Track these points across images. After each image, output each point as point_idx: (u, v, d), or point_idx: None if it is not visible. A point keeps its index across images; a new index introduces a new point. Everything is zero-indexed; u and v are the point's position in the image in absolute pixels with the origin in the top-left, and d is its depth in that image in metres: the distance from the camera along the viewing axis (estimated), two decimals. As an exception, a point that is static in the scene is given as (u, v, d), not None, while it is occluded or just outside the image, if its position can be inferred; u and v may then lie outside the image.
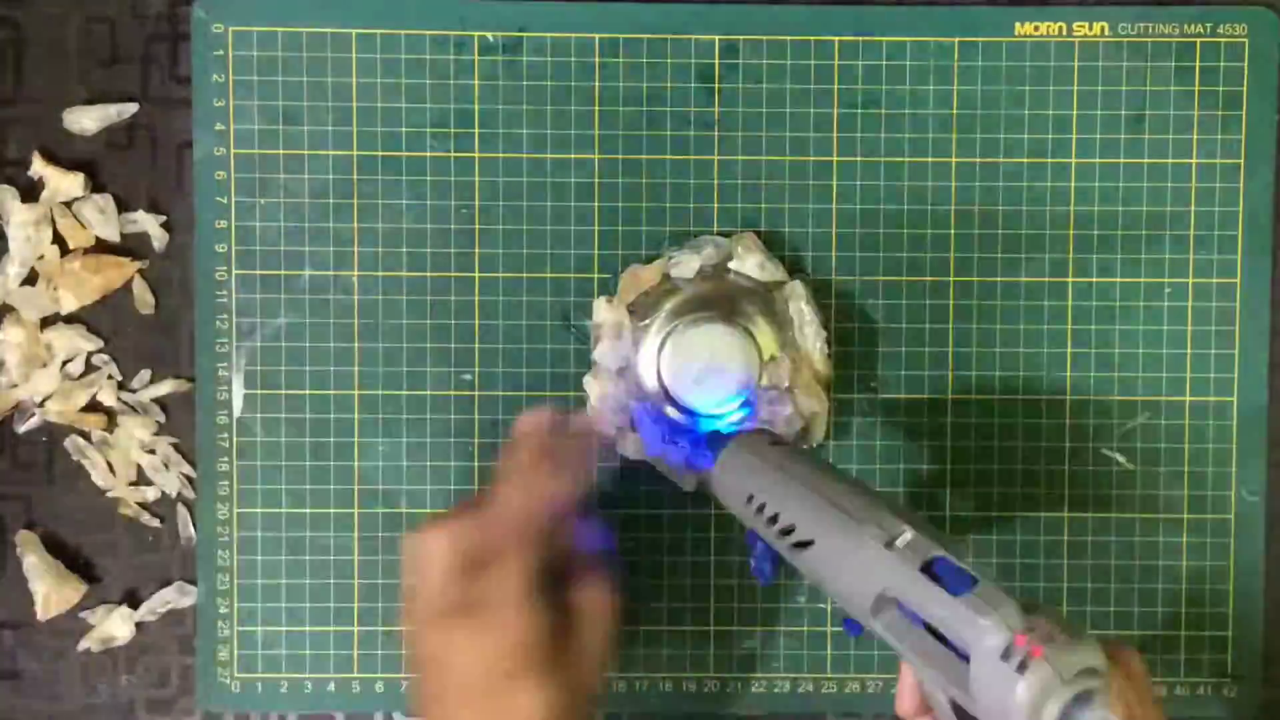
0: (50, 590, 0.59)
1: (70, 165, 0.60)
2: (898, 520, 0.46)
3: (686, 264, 0.57)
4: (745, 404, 0.56)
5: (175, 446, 0.60)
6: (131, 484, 0.60)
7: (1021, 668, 0.41)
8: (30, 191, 0.60)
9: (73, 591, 0.59)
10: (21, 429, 0.60)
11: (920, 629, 0.45)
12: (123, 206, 0.60)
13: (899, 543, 0.46)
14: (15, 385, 0.59)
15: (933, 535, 0.46)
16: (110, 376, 0.60)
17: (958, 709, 0.44)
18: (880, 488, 0.60)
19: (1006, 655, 0.42)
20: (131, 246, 0.60)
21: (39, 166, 0.59)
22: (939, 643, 0.44)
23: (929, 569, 0.45)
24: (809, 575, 0.49)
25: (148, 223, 0.60)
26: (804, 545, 0.49)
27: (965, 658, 0.43)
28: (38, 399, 0.60)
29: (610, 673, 0.60)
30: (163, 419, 0.60)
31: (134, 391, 0.60)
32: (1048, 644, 0.41)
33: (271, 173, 0.60)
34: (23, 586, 0.60)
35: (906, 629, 0.45)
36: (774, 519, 0.50)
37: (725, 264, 0.58)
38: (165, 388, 0.60)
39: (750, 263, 0.58)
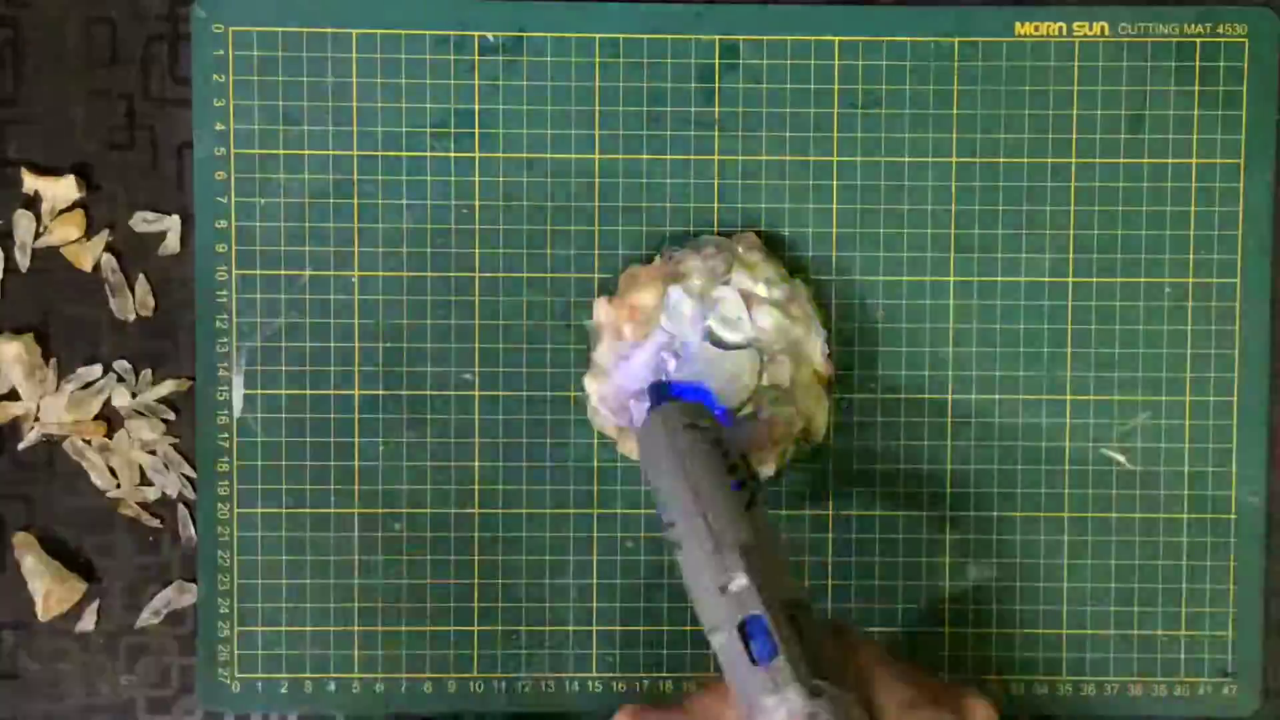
0: (50, 589, 0.59)
1: (70, 166, 0.60)
2: (739, 559, 0.46)
3: (688, 263, 0.57)
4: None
5: (175, 447, 0.60)
6: (134, 485, 0.60)
7: None
8: (30, 203, 0.60)
9: (72, 590, 0.60)
10: (21, 445, 0.60)
11: (731, 668, 0.45)
12: (134, 206, 0.60)
13: (732, 587, 0.46)
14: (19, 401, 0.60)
15: (766, 585, 0.45)
16: (120, 379, 0.60)
17: None
18: (880, 488, 0.60)
19: None
20: (134, 246, 0.60)
21: (31, 181, 0.59)
22: (735, 686, 0.45)
23: (743, 626, 0.45)
24: (679, 567, 0.49)
25: (170, 224, 0.60)
26: (675, 545, 0.49)
27: None
28: (39, 415, 0.60)
29: (610, 672, 0.60)
30: (172, 417, 0.60)
31: (137, 396, 0.60)
32: None
33: (271, 173, 0.60)
34: (23, 587, 0.60)
35: (725, 660, 0.46)
36: (664, 505, 0.50)
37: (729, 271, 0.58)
38: (165, 388, 0.60)
39: (758, 281, 0.57)
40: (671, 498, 0.49)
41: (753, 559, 0.46)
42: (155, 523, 0.60)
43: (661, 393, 0.55)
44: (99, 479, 0.60)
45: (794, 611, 0.46)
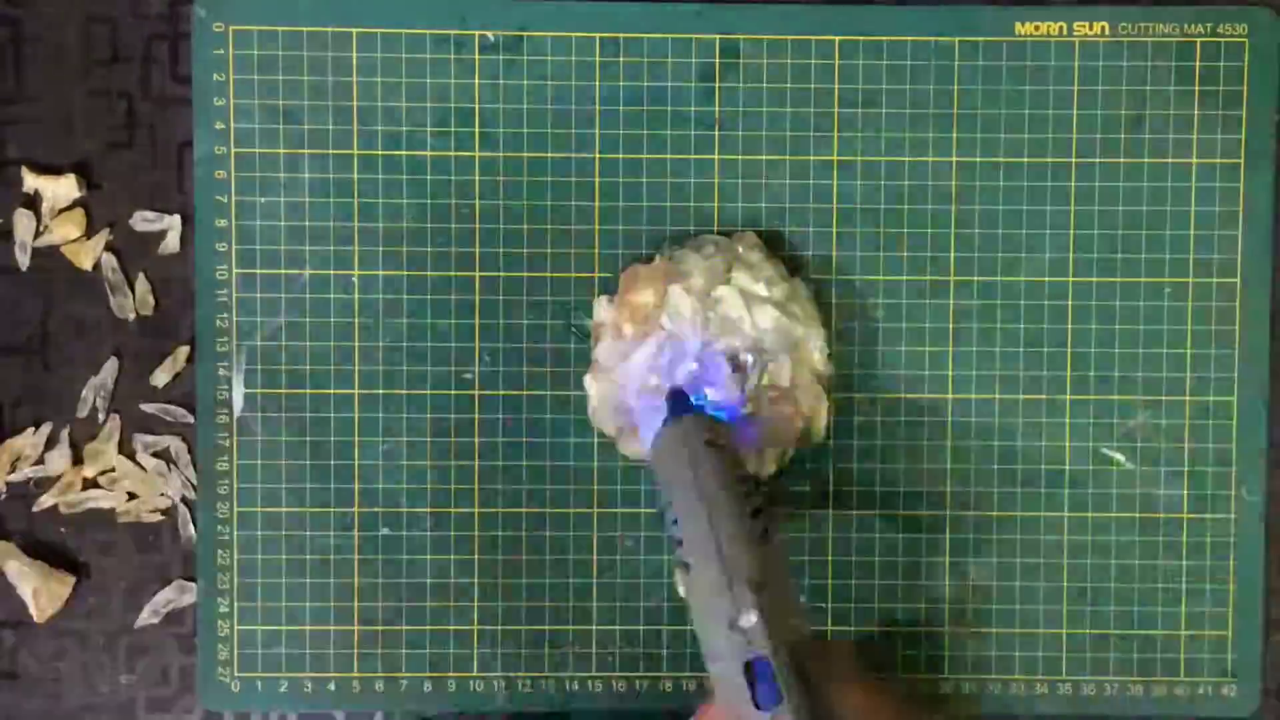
0: (38, 588, 0.59)
1: (70, 166, 0.60)
2: (751, 596, 0.46)
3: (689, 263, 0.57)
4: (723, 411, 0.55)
5: (175, 446, 0.60)
6: (132, 497, 0.60)
7: None
8: (30, 202, 0.60)
9: (60, 586, 0.59)
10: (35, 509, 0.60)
11: (728, 699, 0.46)
12: (135, 205, 0.60)
13: (742, 622, 0.45)
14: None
15: (776, 627, 0.45)
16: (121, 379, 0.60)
17: None
18: (880, 488, 0.60)
19: None
20: (134, 246, 0.60)
21: (31, 180, 0.59)
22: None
23: (750, 666, 0.45)
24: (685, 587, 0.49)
25: (171, 223, 0.60)
26: (685, 566, 0.48)
27: None
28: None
29: (610, 672, 0.60)
30: (191, 420, 0.60)
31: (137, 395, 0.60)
32: None
33: (272, 172, 0.60)
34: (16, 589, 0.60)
35: (723, 687, 0.46)
36: (675, 522, 0.49)
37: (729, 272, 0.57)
38: (165, 388, 0.60)
39: (758, 281, 0.57)
40: (686, 518, 0.49)
41: (764, 597, 0.46)
42: (155, 520, 0.60)
43: (682, 402, 0.54)
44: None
45: (800, 659, 0.45)
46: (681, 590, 0.49)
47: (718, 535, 0.47)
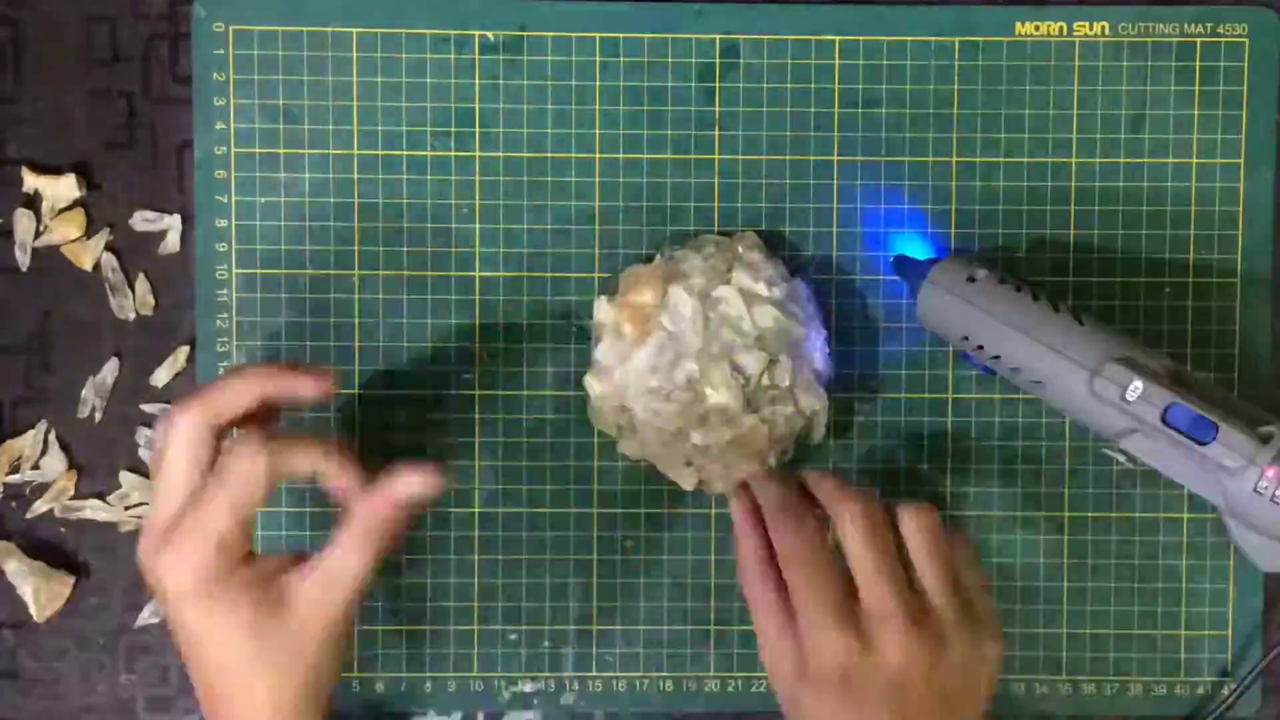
0: (38, 587, 0.59)
1: (70, 166, 0.60)
2: (1125, 370, 0.50)
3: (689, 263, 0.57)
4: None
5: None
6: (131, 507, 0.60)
7: (1276, 498, 0.48)
8: (30, 202, 0.60)
9: (61, 586, 0.59)
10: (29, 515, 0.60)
11: (1170, 452, 0.50)
12: (134, 205, 0.60)
13: (1130, 394, 0.50)
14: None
15: (1160, 379, 0.50)
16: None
17: None
18: (880, 487, 0.60)
19: (1259, 489, 0.48)
20: (134, 246, 0.60)
21: (31, 180, 0.59)
22: (1190, 463, 0.50)
23: (1165, 417, 0.49)
24: (1040, 398, 0.54)
25: (171, 223, 0.60)
26: (1036, 384, 0.53)
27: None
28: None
29: (610, 672, 0.60)
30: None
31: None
32: None
33: (272, 172, 0.60)
34: (15, 590, 0.60)
35: (1155, 452, 0.50)
36: (997, 357, 0.53)
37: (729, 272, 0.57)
38: (164, 388, 0.60)
39: (758, 281, 0.57)
40: (1005, 347, 0.53)
41: (1129, 362, 0.50)
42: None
43: (909, 263, 0.58)
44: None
45: (1187, 383, 0.50)
46: (1047, 403, 0.54)
47: (1056, 347, 0.52)
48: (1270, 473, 0.48)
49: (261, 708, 0.49)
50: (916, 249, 0.59)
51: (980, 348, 0.54)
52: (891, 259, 0.59)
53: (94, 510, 0.60)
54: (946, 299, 0.55)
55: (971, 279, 0.54)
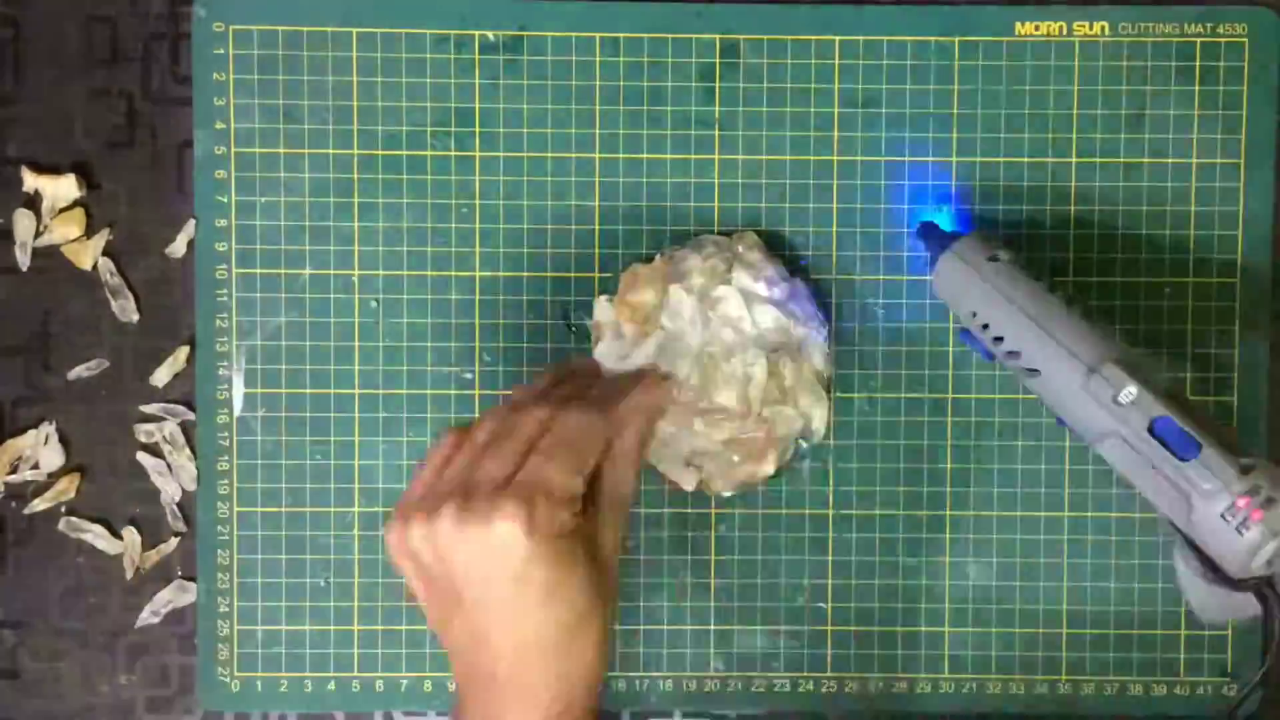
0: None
1: (70, 165, 0.60)
2: (1122, 373, 0.50)
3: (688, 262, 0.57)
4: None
5: (175, 446, 0.60)
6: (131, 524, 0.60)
7: (1241, 528, 0.47)
8: (30, 202, 0.60)
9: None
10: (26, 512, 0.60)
11: (1144, 463, 0.50)
12: (134, 205, 0.60)
13: (1122, 398, 0.50)
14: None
15: (1155, 389, 0.50)
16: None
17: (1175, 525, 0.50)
18: (880, 487, 0.60)
19: (1227, 515, 0.48)
20: (134, 246, 0.60)
21: (31, 180, 0.59)
22: (1161, 478, 0.49)
23: (1152, 427, 0.49)
24: (1029, 388, 0.54)
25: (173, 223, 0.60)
26: (1030, 372, 0.52)
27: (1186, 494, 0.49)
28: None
29: (610, 671, 0.60)
30: (192, 416, 0.60)
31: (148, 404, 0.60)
32: (1267, 509, 0.47)
33: (272, 171, 0.60)
34: (22, 585, 0.60)
35: (1130, 459, 0.50)
36: (1000, 339, 0.53)
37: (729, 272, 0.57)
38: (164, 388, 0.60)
39: (758, 281, 0.57)
40: (1009, 329, 0.53)
41: (1129, 367, 0.50)
42: (156, 519, 0.60)
43: (935, 231, 0.58)
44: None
45: (1181, 400, 0.50)
46: (1025, 384, 0.53)
47: (1060, 337, 0.52)
48: (1242, 503, 0.48)
49: (600, 636, 0.49)
50: (943, 219, 0.59)
51: (985, 326, 0.54)
52: (917, 225, 0.59)
53: (95, 539, 0.60)
54: (965, 272, 0.55)
55: (994, 258, 0.54)
